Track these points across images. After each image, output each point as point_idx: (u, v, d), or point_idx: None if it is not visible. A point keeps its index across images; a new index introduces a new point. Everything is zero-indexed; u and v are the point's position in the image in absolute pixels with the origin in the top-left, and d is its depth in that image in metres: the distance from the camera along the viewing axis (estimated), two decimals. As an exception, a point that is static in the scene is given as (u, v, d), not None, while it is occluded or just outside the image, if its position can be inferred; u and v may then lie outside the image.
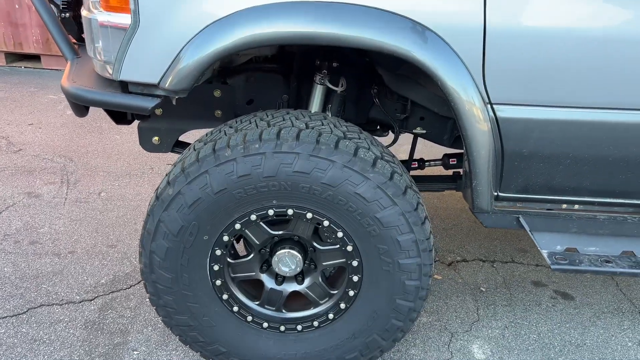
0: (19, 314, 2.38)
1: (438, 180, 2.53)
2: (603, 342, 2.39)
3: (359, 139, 1.80)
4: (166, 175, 1.83)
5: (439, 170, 2.68)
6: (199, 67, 1.62)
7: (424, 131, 2.33)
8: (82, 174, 3.70)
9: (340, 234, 1.82)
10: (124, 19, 1.65)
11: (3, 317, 2.35)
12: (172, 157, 3.91)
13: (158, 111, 2.26)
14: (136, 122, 2.35)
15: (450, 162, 2.56)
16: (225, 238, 1.84)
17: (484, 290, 2.71)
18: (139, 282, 2.62)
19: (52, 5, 2.17)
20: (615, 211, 1.96)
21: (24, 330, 2.29)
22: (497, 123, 1.69)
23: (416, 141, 2.52)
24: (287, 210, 1.79)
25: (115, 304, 2.47)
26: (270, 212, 1.80)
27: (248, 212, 1.80)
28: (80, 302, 2.47)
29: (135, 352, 2.21)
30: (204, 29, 1.59)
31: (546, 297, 2.67)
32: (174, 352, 2.22)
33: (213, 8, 1.58)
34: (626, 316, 2.56)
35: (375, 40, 1.57)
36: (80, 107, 2.01)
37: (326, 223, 1.80)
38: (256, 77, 2.26)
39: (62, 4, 2.21)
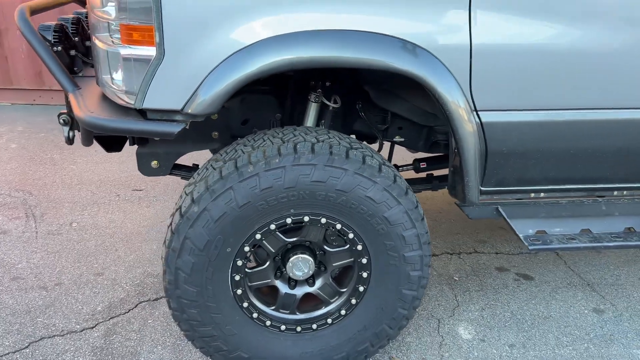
0: (21, 349, 2.35)
1: (415, 183, 2.80)
2: (565, 312, 2.74)
3: (363, 148, 2.01)
4: (187, 194, 1.94)
5: (411, 174, 2.95)
6: (225, 93, 1.76)
7: (403, 139, 2.59)
8: (46, 206, 3.63)
9: (351, 235, 2.01)
10: (149, 52, 1.74)
11: (5, 354, 2.31)
12: (137, 184, 3.94)
13: None
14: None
15: (421, 166, 2.84)
16: (246, 249, 1.98)
17: (457, 279, 3.00)
18: (137, 306, 2.66)
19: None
20: (573, 195, 2.31)
21: (30, 364, 2.28)
22: (482, 126, 1.97)
23: (393, 149, 2.78)
24: (303, 217, 1.97)
25: (119, 328, 2.50)
26: (288, 220, 1.96)
27: (268, 222, 1.95)
28: (82, 331, 2.48)
29: (151, 371, 2.27)
30: (230, 56, 1.72)
31: (510, 280, 3.01)
32: (189, 366, 2.30)
33: (239, 37, 1.73)
34: (578, 289, 2.94)
35: (385, 62, 1.79)
36: (90, 136, 2.08)
37: (338, 226, 1.99)
38: (251, 99, 2.42)
39: (54, 39, 2.26)
